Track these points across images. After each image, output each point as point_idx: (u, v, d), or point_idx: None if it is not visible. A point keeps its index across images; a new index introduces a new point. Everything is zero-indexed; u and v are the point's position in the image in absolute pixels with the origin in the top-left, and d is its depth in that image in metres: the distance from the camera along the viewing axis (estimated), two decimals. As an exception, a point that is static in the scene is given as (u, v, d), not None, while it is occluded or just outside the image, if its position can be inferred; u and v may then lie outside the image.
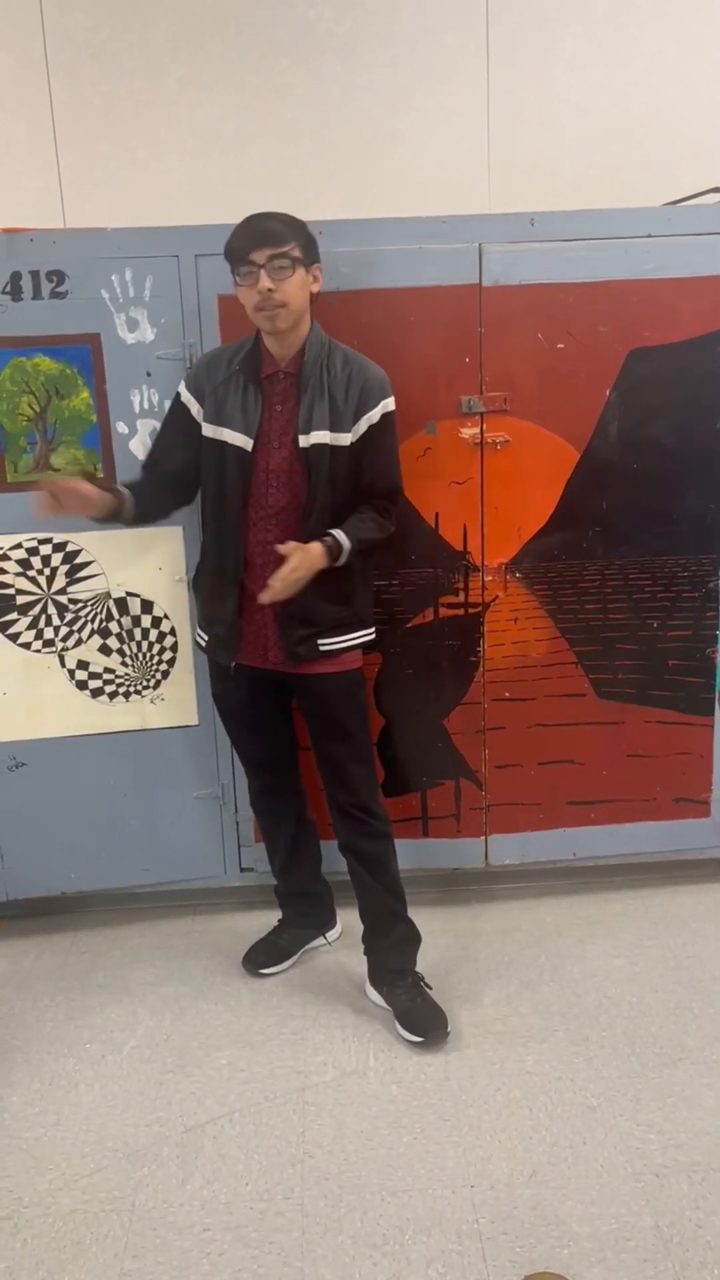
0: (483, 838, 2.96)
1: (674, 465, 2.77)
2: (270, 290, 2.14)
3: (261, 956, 2.74)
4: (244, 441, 2.27)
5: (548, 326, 2.64)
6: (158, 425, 2.53)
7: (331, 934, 2.84)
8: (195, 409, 2.34)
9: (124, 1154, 2.15)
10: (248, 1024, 2.53)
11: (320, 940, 2.83)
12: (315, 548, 2.22)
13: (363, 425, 2.28)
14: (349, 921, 2.76)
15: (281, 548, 2.20)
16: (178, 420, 2.39)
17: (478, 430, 2.67)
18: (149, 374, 2.60)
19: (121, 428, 2.63)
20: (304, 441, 2.24)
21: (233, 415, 2.28)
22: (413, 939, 2.57)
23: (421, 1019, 2.45)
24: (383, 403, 2.30)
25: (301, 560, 2.20)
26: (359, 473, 2.32)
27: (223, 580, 2.37)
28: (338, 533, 2.27)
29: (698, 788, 2.97)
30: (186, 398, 2.36)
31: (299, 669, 2.38)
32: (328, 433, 2.25)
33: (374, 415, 2.29)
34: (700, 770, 2.96)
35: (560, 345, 2.65)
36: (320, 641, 2.36)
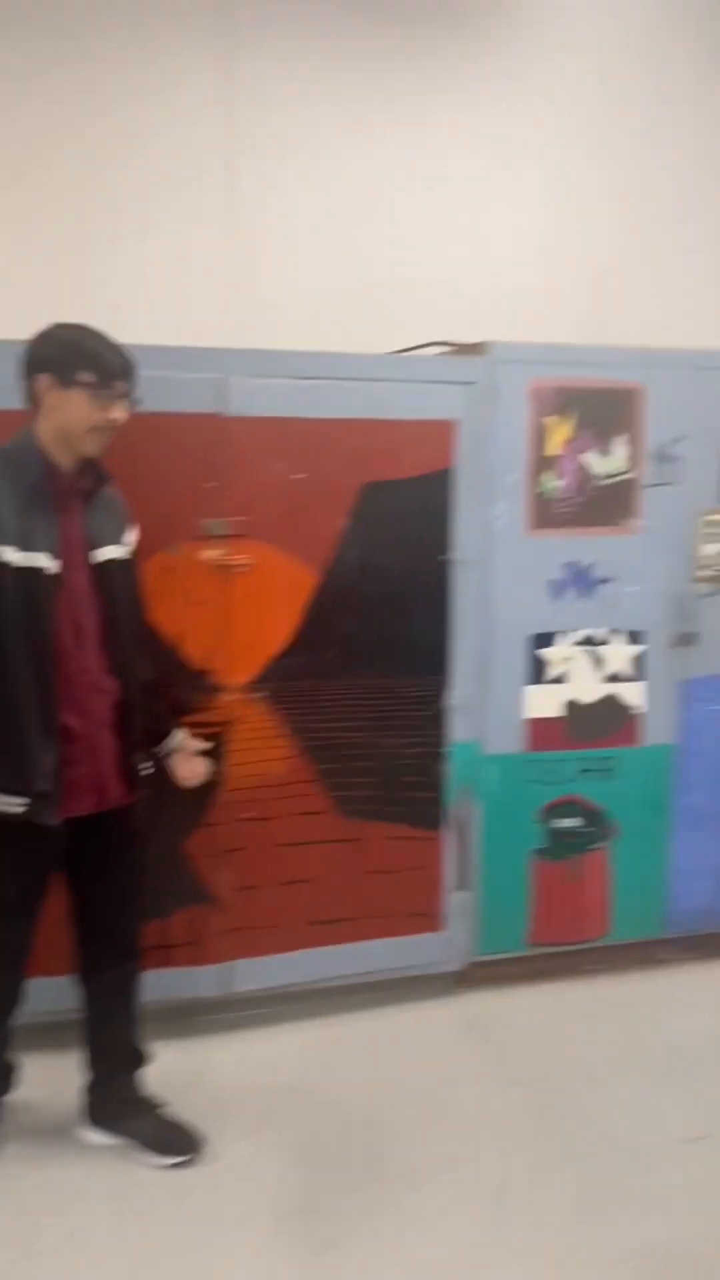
0: (224, 963, 2.88)
1: (404, 592, 2.92)
2: (118, 423, 2.08)
3: None
4: (50, 563, 2.05)
5: (287, 457, 2.75)
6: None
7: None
8: None
9: None
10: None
11: None
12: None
13: (129, 540, 2.25)
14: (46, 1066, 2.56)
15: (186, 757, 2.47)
16: None
17: (220, 553, 2.72)
18: None
19: None
20: (96, 558, 2.13)
21: (32, 535, 2.04)
22: (147, 1065, 2.48)
23: (177, 1138, 2.38)
24: (132, 523, 2.29)
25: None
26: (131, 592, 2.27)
27: (38, 728, 2.04)
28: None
29: (430, 902, 3.06)
30: None
31: (132, 799, 2.27)
32: (115, 547, 2.18)
33: (131, 534, 2.27)
34: (432, 884, 3.05)
35: (299, 475, 2.77)
36: (142, 766, 2.30)
